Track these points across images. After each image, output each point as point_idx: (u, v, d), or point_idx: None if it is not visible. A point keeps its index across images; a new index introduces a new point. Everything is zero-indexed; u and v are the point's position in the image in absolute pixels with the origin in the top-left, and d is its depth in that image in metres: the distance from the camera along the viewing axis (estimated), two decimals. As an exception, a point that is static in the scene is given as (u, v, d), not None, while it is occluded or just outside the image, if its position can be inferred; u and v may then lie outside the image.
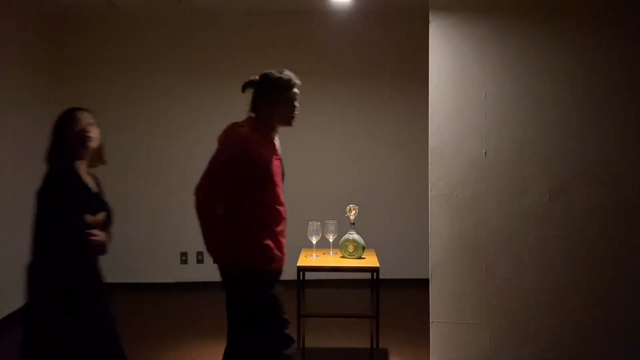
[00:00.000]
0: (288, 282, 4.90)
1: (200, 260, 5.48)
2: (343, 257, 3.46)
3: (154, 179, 5.41)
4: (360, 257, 3.44)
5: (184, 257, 5.47)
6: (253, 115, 2.51)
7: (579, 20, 3.08)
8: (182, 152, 5.34)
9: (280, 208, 2.50)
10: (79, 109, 2.56)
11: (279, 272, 2.52)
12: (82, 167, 2.55)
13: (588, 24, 3.07)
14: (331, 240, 3.51)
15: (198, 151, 5.45)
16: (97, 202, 2.57)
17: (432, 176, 3.18)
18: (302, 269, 3.35)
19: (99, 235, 2.51)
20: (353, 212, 3.49)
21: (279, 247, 2.48)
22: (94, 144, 2.56)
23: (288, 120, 2.53)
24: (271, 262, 2.45)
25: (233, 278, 2.47)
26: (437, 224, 3.19)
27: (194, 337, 4.15)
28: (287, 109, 2.50)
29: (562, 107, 3.11)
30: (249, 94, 2.50)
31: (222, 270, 2.49)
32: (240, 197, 2.44)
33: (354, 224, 3.49)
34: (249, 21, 5.36)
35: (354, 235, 3.46)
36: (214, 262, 2.48)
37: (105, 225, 2.59)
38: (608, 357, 3.09)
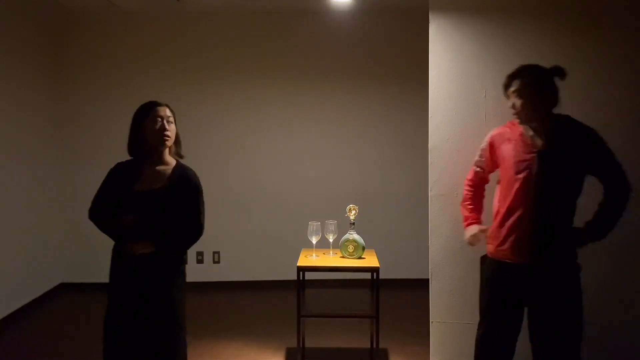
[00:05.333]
0: (288, 282, 4.98)
1: (200, 261, 5.48)
2: (343, 257, 3.46)
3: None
4: (360, 257, 3.44)
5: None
6: None
7: (580, 19, 3.08)
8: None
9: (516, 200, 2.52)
10: (158, 104, 2.57)
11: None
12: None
13: (590, 23, 3.07)
14: (331, 240, 3.51)
15: (197, 151, 5.49)
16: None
17: (432, 176, 3.18)
18: (302, 269, 3.35)
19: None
20: (353, 212, 3.49)
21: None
22: (169, 140, 2.57)
23: (515, 115, 2.53)
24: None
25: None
26: (437, 224, 3.18)
27: (194, 337, 4.15)
28: (511, 104, 2.54)
29: (562, 107, 3.10)
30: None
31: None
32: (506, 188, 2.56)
33: (354, 224, 3.49)
34: (248, 21, 5.36)
35: (354, 235, 3.46)
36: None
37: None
38: (608, 356, 3.09)
